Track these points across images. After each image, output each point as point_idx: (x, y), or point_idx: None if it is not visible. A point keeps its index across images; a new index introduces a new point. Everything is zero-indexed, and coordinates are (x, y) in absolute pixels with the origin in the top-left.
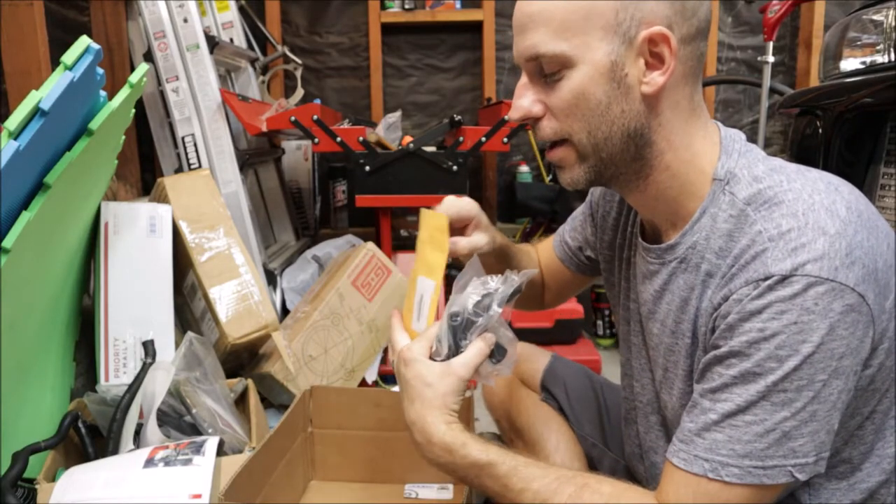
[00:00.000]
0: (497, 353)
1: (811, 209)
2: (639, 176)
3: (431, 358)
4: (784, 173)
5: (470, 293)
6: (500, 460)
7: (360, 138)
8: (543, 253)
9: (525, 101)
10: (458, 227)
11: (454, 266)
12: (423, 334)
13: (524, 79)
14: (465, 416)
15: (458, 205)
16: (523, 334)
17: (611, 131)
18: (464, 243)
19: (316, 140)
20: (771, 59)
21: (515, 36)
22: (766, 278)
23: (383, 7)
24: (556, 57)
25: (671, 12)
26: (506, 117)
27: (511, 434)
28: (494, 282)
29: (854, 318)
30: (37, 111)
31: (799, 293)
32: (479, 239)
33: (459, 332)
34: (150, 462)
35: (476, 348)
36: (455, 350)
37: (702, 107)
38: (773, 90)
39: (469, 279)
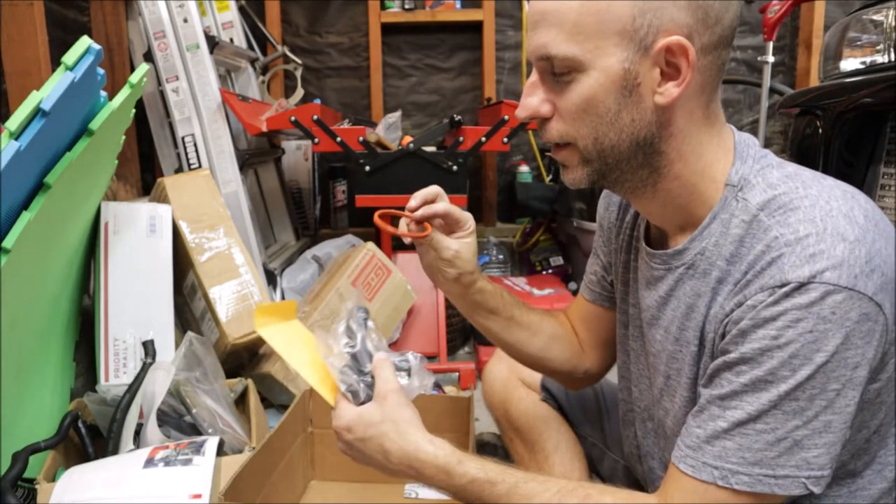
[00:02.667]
0: (403, 366)
1: (829, 215)
2: (646, 184)
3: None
4: (799, 180)
5: (332, 341)
6: (500, 478)
7: (360, 138)
8: (574, 312)
9: (534, 99)
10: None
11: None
12: (335, 404)
13: (534, 76)
14: (466, 416)
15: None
16: None
17: (619, 139)
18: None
19: (316, 140)
20: (771, 59)
21: (528, 31)
22: (783, 285)
23: (383, 7)
24: (566, 60)
25: (693, 20)
26: (515, 114)
27: (511, 434)
28: (340, 318)
29: (870, 327)
30: (38, 111)
31: (816, 301)
32: (458, 244)
33: (356, 370)
34: (150, 462)
35: (379, 366)
36: (367, 384)
37: (717, 114)
38: (773, 90)
39: (323, 341)
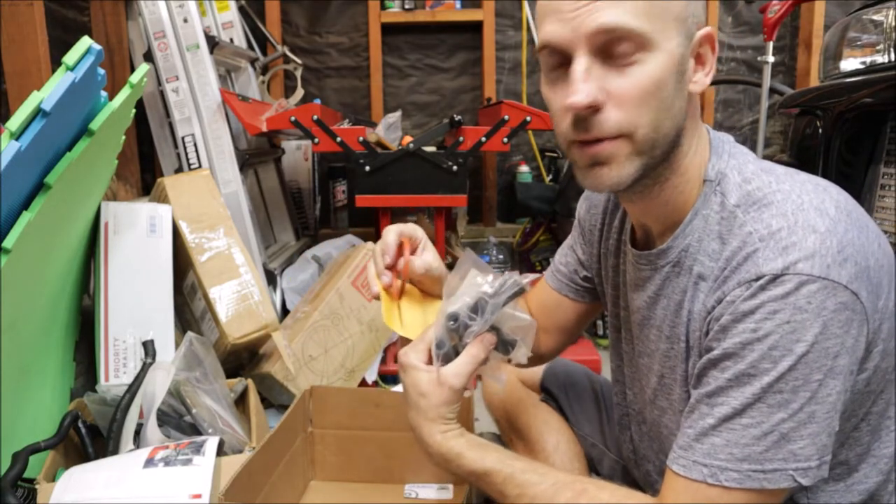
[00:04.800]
0: (503, 347)
1: (800, 208)
2: (656, 181)
3: (431, 361)
4: (773, 174)
5: (464, 293)
6: (497, 468)
7: (360, 138)
8: (534, 296)
9: (592, 86)
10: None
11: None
12: (421, 336)
13: (586, 62)
14: (466, 416)
15: (404, 227)
16: None
17: (669, 128)
18: (418, 262)
19: (316, 140)
20: (771, 59)
21: (583, 11)
22: (758, 278)
23: (383, 7)
24: (639, 36)
25: (703, 16)
26: (573, 100)
27: (511, 434)
28: (490, 283)
29: (848, 315)
30: (38, 112)
31: (791, 292)
32: (429, 258)
33: (456, 335)
34: (150, 462)
35: (468, 356)
36: (453, 354)
37: (697, 108)
38: (773, 90)
39: (465, 273)
